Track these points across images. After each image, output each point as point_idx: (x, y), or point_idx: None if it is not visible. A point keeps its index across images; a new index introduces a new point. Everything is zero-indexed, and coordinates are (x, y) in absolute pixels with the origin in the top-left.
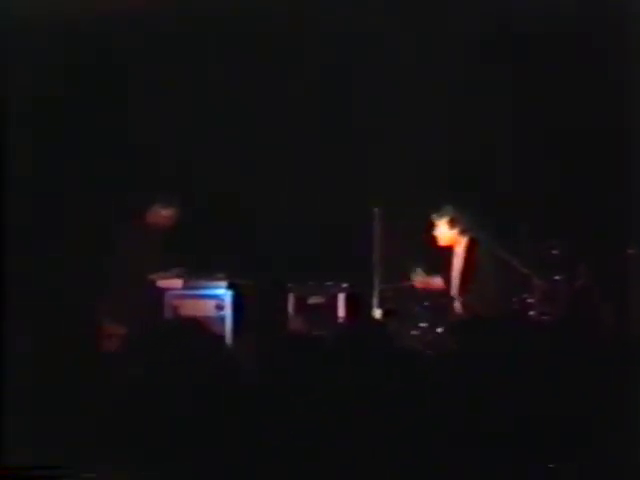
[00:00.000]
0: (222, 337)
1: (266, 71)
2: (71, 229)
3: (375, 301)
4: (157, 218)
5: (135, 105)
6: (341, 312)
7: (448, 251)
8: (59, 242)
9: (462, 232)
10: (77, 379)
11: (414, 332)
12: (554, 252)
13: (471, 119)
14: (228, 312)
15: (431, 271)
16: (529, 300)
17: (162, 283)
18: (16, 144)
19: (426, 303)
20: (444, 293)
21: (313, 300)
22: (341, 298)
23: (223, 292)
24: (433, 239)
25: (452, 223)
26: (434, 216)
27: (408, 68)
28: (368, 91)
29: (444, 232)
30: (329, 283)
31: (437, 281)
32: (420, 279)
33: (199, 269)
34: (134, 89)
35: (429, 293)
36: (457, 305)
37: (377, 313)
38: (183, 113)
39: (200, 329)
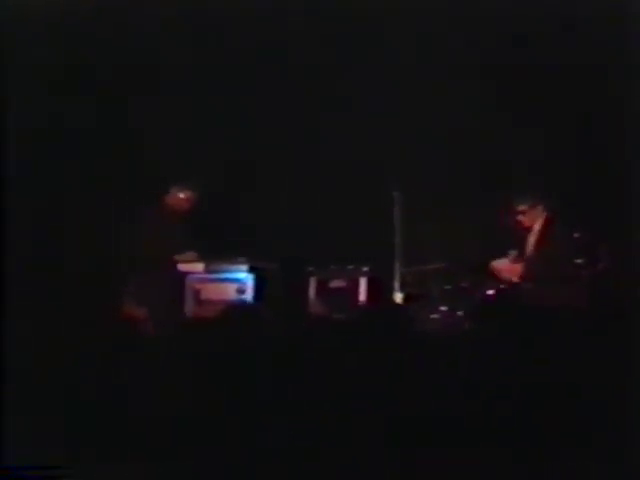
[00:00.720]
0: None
1: (291, 57)
2: (90, 214)
3: (396, 285)
4: (176, 201)
5: (153, 88)
6: (362, 296)
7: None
8: (76, 226)
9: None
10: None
11: (435, 316)
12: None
13: (499, 102)
14: (249, 296)
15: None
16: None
17: (183, 267)
18: (33, 128)
19: (447, 287)
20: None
21: (334, 284)
22: (362, 282)
23: (244, 276)
24: (515, 222)
25: (531, 207)
26: (516, 200)
27: (430, 52)
28: (387, 75)
29: (527, 214)
30: (350, 267)
31: (517, 266)
32: (504, 262)
33: (220, 253)
34: (154, 74)
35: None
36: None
37: (398, 297)
38: (201, 94)
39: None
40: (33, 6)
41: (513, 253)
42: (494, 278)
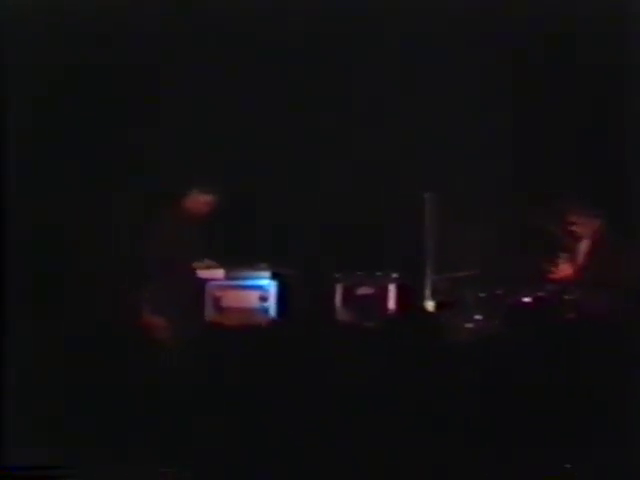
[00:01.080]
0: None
1: (314, 54)
2: (103, 216)
3: (427, 292)
4: (195, 204)
5: (171, 88)
6: (391, 304)
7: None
8: (90, 230)
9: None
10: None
11: (468, 325)
12: None
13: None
14: (272, 303)
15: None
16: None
17: (203, 273)
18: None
19: (482, 294)
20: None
21: (362, 291)
22: (391, 289)
23: (267, 282)
24: (569, 229)
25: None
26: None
27: (462, 51)
28: (419, 74)
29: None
30: (379, 273)
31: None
32: (559, 266)
33: (241, 258)
34: (171, 72)
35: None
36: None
37: (429, 305)
38: (220, 94)
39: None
40: (33, 6)
41: (564, 256)
42: (542, 283)
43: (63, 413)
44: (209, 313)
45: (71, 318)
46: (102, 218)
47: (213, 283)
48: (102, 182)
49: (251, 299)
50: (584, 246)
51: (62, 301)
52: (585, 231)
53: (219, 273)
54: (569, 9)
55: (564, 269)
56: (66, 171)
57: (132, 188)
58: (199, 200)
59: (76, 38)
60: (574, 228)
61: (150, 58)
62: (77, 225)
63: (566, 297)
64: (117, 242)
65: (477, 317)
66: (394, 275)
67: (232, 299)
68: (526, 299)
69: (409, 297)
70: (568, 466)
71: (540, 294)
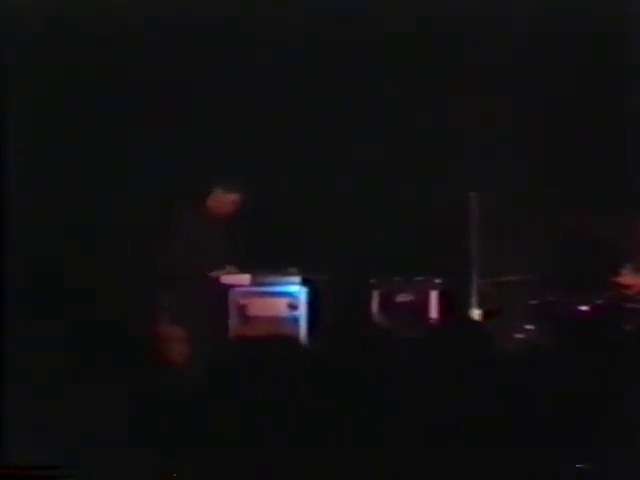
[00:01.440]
0: (295, 338)
1: (350, 50)
2: (117, 217)
3: (473, 299)
4: (219, 203)
5: (197, 85)
6: (433, 312)
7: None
8: (105, 231)
9: None
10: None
11: (519, 335)
12: None
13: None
14: (302, 312)
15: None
16: None
17: (227, 279)
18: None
19: (533, 301)
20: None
21: (401, 298)
22: (433, 295)
23: (296, 289)
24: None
25: None
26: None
27: (509, 52)
28: (465, 71)
29: None
30: (419, 278)
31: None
32: (629, 276)
33: (268, 262)
34: (199, 69)
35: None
36: None
37: (475, 313)
38: (253, 88)
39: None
40: (33, 6)
41: (629, 266)
42: (600, 290)
43: (65, 414)
44: (233, 323)
45: (80, 325)
46: (115, 220)
47: (238, 290)
48: (115, 182)
49: (279, 307)
50: None
51: (70, 307)
52: None
53: (244, 279)
54: (569, 9)
55: (629, 279)
56: (78, 170)
57: (148, 187)
58: (222, 199)
59: (76, 37)
60: None
61: (165, 56)
62: (88, 228)
63: (628, 306)
64: (132, 246)
65: (528, 327)
66: (436, 280)
67: (258, 307)
68: (583, 307)
69: (452, 304)
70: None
71: (598, 302)
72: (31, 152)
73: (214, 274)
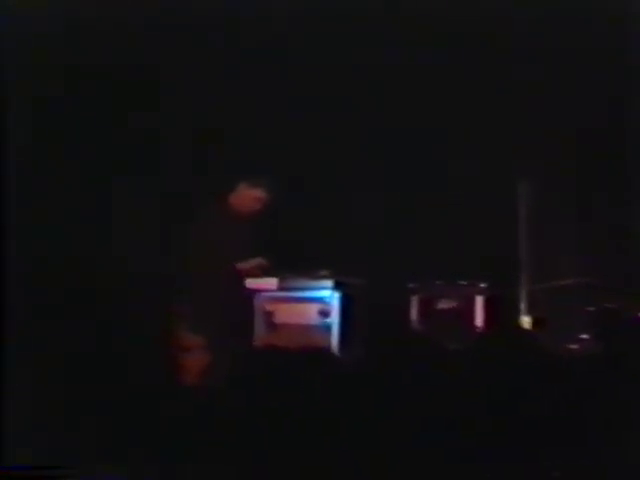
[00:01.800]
0: (327, 348)
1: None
2: (132, 216)
3: (523, 306)
4: (243, 201)
5: (219, 73)
6: (479, 320)
7: None
8: (117, 231)
9: None
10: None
11: (573, 346)
12: None
13: None
14: (335, 319)
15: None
16: None
17: (252, 283)
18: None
19: (590, 308)
20: None
21: (443, 304)
22: (479, 302)
23: (328, 294)
24: None
25: None
26: None
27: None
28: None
29: None
30: (463, 282)
31: None
32: None
33: (297, 264)
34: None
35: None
36: None
37: (525, 321)
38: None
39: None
40: (33, 5)
41: None
42: None
43: (63, 413)
44: (259, 331)
45: (87, 328)
46: (128, 219)
47: (264, 295)
48: (127, 179)
49: (309, 314)
50: None
51: (76, 308)
52: None
53: (271, 283)
54: (569, 9)
55: None
56: (87, 168)
57: (165, 183)
58: (247, 196)
59: (77, 37)
60: None
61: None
62: (97, 228)
63: None
64: (146, 246)
65: (583, 336)
66: (482, 285)
67: (286, 314)
68: None
69: (500, 312)
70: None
71: None
72: (31, 152)
73: (239, 266)
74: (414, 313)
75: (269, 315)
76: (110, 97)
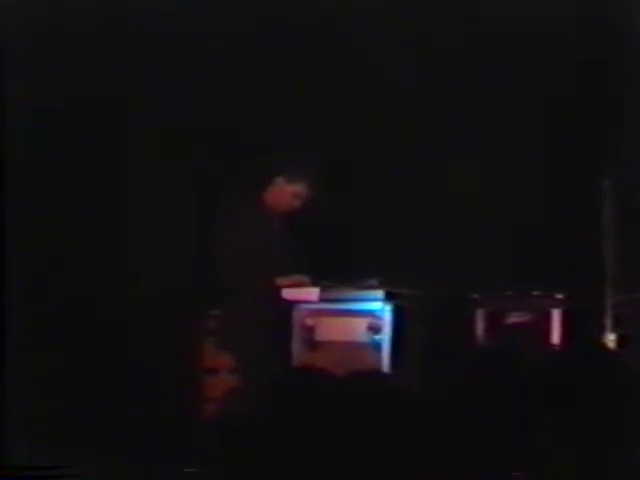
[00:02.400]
0: (377, 370)
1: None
2: (150, 215)
3: (607, 321)
4: (281, 197)
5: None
6: (555, 336)
7: None
8: (138, 230)
9: None
10: None
11: None
12: None
13: None
14: (386, 336)
15: None
16: None
17: (290, 293)
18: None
19: None
20: None
21: (513, 318)
22: (555, 315)
23: (379, 306)
24: None
25: None
26: None
27: None
28: None
29: None
30: (537, 293)
31: None
32: None
33: (342, 272)
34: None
35: None
36: None
37: (610, 339)
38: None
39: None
40: (33, 5)
41: None
42: None
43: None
44: (298, 350)
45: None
46: (145, 220)
47: (304, 307)
48: (150, 176)
49: (356, 330)
50: None
51: (93, 322)
52: None
53: (312, 293)
54: (569, 9)
55: None
56: (98, 166)
57: (193, 180)
58: (285, 192)
59: (77, 37)
60: None
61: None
62: (108, 230)
63: None
64: (167, 251)
65: None
66: (559, 296)
67: (330, 330)
68: None
69: (580, 327)
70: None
71: None
72: (31, 152)
73: (275, 284)
74: (479, 329)
75: (309, 331)
76: (128, 94)
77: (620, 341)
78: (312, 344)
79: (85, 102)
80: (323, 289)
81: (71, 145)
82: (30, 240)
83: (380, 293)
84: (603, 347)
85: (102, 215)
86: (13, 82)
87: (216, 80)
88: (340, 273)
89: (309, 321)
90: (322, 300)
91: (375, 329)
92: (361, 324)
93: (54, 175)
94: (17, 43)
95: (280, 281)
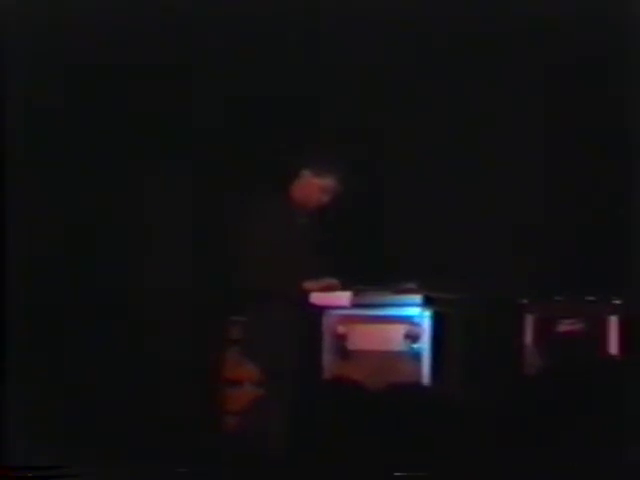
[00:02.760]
0: (416, 382)
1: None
2: (168, 212)
3: None
4: (309, 191)
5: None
6: (613, 346)
7: None
8: (155, 232)
9: None
10: None
11: None
12: None
13: None
14: (425, 344)
15: None
16: None
17: (320, 298)
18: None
19: None
20: None
21: (565, 326)
22: (612, 323)
23: (417, 312)
24: None
25: None
26: None
27: None
28: None
29: None
30: (591, 298)
31: None
32: None
33: (376, 275)
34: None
35: None
36: None
37: None
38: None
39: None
40: (33, 5)
41: None
42: None
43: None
44: (329, 360)
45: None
46: (160, 216)
47: (334, 313)
48: (164, 171)
49: (392, 338)
50: None
51: (108, 329)
52: None
53: (343, 298)
54: (569, 9)
55: None
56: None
57: (210, 170)
58: (312, 186)
59: (77, 37)
60: None
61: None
62: (127, 231)
63: None
64: (184, 251)
65: None
66: (616, 301)
67: (363, 338)
68: None
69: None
70: None
71: None
72: (31, 152)
73: (303, 288)
74: (528, 337)
75: (341, 339)
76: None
77: None
78: (344, 354)
79: (85, 102)
80: (355, 293)
81: (71, 145)
82: (30, 240)
83: (418, 298)
84: None
85: (107, 216)
86: (13, 82)
87: (238, 73)
88: (374, 276)
89: (340, 329)
90: (354, 305)
91: (413, 337)
92: (398, 332)
93: (54, 175)
94: (17, 43)
95: (308, 285)
